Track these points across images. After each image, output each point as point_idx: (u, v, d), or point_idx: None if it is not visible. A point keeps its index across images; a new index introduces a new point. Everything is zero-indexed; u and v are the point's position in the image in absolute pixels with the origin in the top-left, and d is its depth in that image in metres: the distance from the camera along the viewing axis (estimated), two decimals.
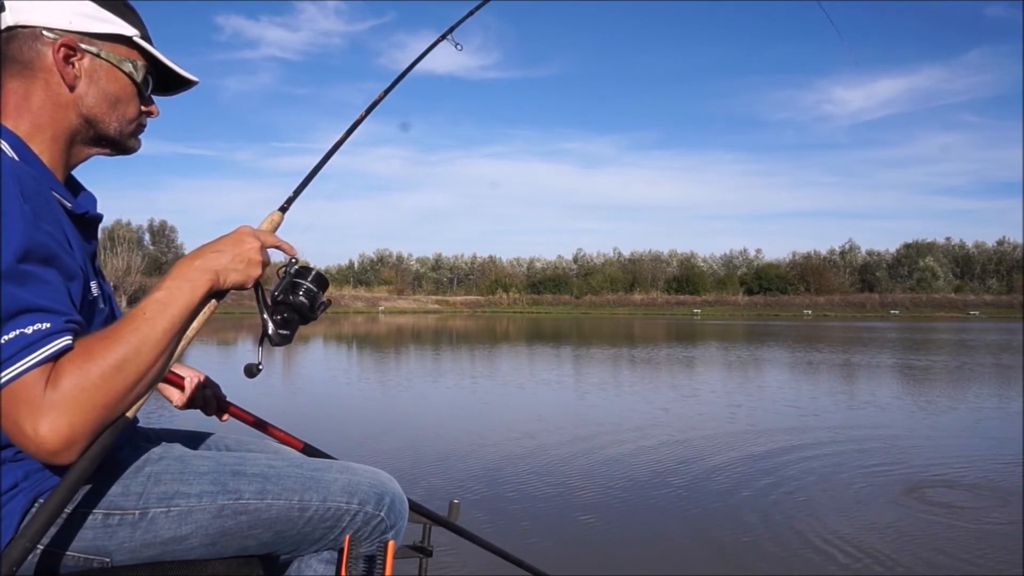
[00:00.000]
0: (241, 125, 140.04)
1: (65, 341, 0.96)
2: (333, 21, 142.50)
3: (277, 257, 1.24)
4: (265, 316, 1.22)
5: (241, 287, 1.14)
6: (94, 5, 1.16)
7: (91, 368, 0.95)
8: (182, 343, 1.06)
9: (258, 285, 1.18)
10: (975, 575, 3.51)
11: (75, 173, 1.28)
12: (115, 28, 1.18)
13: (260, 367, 1.23)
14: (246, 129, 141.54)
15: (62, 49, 1.13)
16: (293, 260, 1.25)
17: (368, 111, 1.67)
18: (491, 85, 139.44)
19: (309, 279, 1.26)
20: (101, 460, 0.98)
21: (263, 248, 1.16)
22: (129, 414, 0.99)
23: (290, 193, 1.40)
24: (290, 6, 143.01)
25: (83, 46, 1.15)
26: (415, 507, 1.80)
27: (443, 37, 1.89)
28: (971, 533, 4.09)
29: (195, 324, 1.08)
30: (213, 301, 1.11)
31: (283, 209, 1.35)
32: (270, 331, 1.22)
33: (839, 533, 4.05)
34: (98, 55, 1.17)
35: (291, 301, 1.23)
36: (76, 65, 1.15)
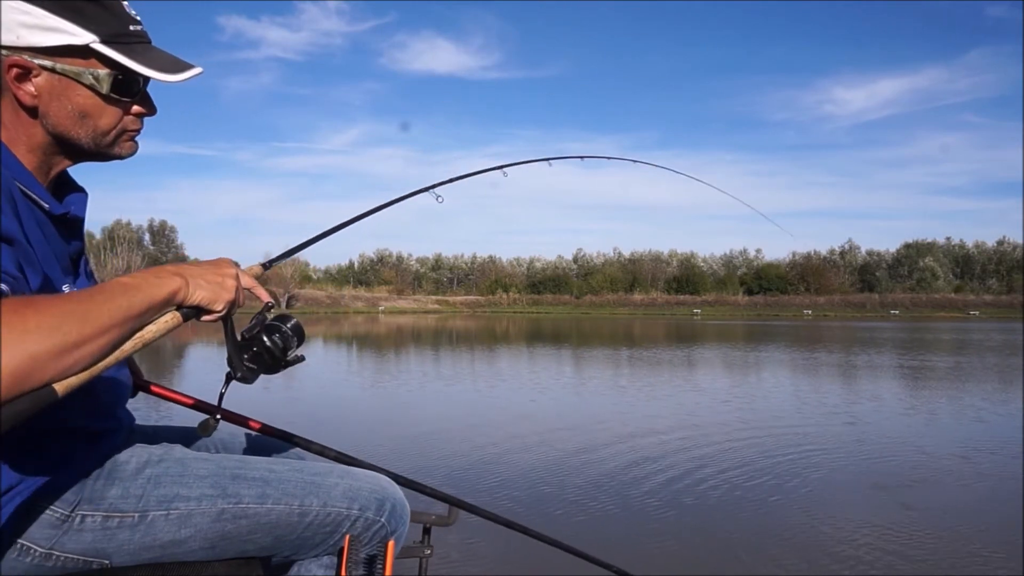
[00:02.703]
0: (242, 125, 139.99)
1: None
2: (334, 21, 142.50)
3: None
4: (230, 351, 1.16)
5: (208, 308, 1.05)
6: (42, 12, 1.03)
7: (13, 316, 0.80)
8: (133, 342, 0.95)
9: (228, 319, 1.11)
10: (975, 575, 3.51)
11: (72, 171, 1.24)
12: (66, 38, 1.05)
13: (219, 419, 1.21)
14: (247, 129, 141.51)
15: (12, 70, 1.05)
16: (270, 304, 1.20)
17: (343, 224, 1.71)
18: (492, 85, 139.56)
19: (288, 325, 1.22)
20: (10, 428, 0.81)
21: (239, 281, 1.11)
22: (58, 389, 0.85)
23: (274, 255, 1.44)
24: (291, 6, 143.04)
25: (36, 62, 1.05)
26: (427, 490, 1.81)
27: (425, 190, 1.87)
28: None
29: (152, 328, 0.98)
30: (176, 314, 1.01)
31: (265, 267, 1.35)
32: (238, 372, 1.17)
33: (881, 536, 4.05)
34: (53, 70, 1.07)
35: (262, 341, 1.18)
36: (33, 83, 1.07)
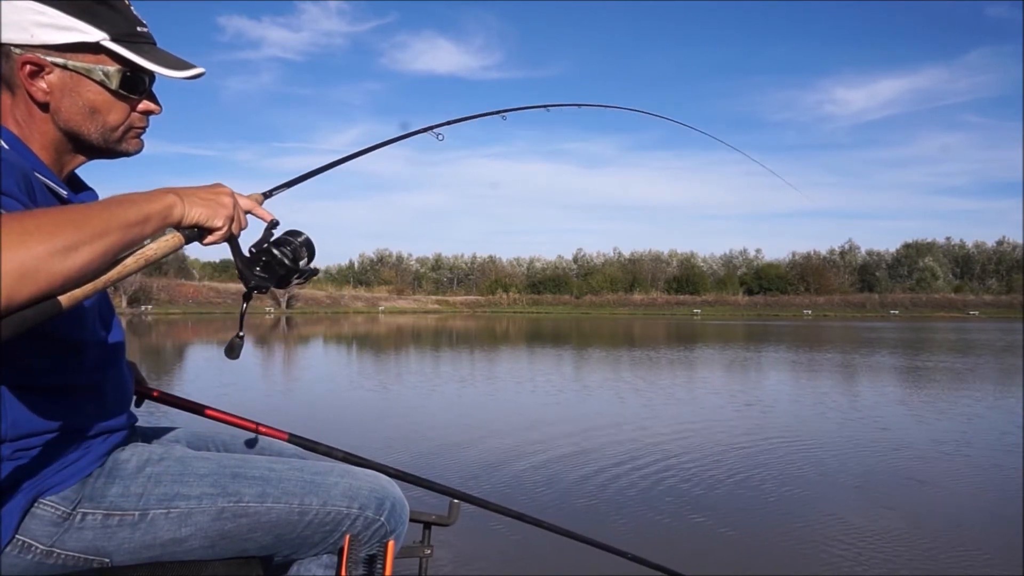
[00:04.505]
0: (242, 125, 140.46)
1: None
2: (335, 21, 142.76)
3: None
4: (240, 267, 1.14)
5: (208, 226, 1.03)
6: (56, 12, 1.08)
7: (12, 222, 0.81)
8: (135, 258, 0.94)
9: (233, 239, 1.10)
10: (975, 575, 3.51)
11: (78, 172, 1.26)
12: (78, 36, 1.10)
13: (241, 336, 1.18)
14: (247, 129, 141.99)
15: (26, 67, 1.09)
16: (275, 221, 1.18)
17: (345, 159, 1.64)
18: (493, 85, 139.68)
19: (299, 240, 1.20)
20: (15, 335, 0.81)
21: (235, 199, 1.09)
22: (63, 301, 0.85)
23: (277, 184, 1.35)
24: (292, 6, 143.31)
25: (49, 59, 1.10)
26: (436, 487, 1.82)
27: (427, 129, 1.84)
28: None
29: (154, 246, 0.97)
30: (177, 234, 1.01)
31: (266, 195, 1.29)
32: (251, 280, 1.14)
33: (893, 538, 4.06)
34: (65, 67, 1.11)
35: (271, 252, 1.16)
36: (45, 80, 1.11)
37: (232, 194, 1.09)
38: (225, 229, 1.05)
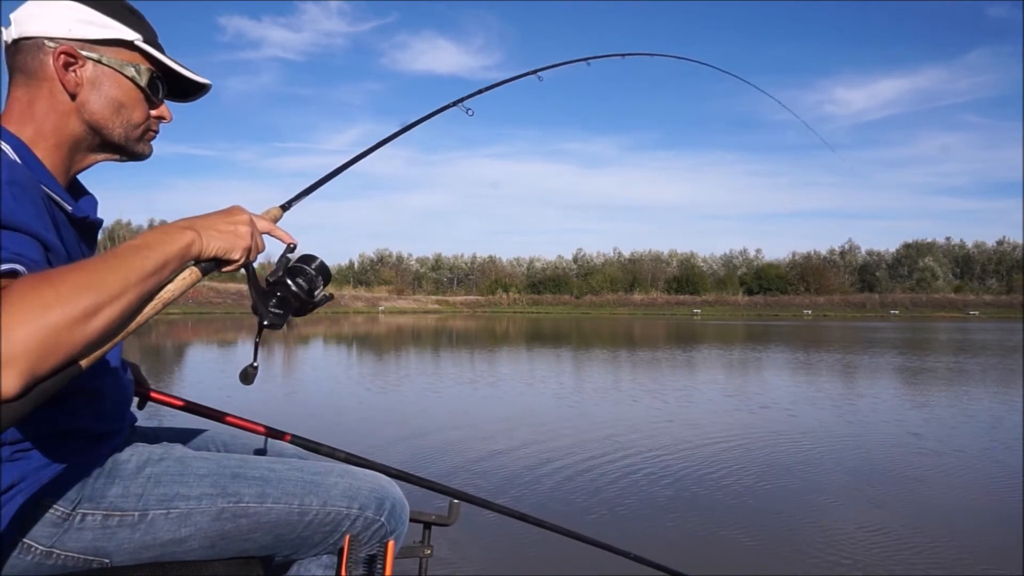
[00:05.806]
0: (242, 125, 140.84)
1: (9, 265, 0.87)
2: (336, 22, 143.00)
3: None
4: (255, 299, 1.14)
5: (226, 258, 1.04)
6: (94, 11, 1.14)
7: (31, 292, 0.80)
8: (154, 304, 0.94)
9: (249, 266, 1.09)
10: (975, 575, 3.51)
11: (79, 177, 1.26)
12: (115, 33, 1.16)
13: (255, 366, 1.18)
14: (247, 129, 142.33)
15: (61, 56, 1.12)
16: (292, 246, 1.18)
17: (375, 147, 1.62)
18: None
19: (312, 266, 1.20)
20: (39, 404, 0.79)
21: (254, 226, 1.08)
22: (83, 364, 0.84)
23: (293, 195, 1.34)
24: (293, 7, 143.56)
25: (84, 53, 1.14)
26: (438, 487, 1.83)
27: (456, 103, 1.79)
28: None
29: (172, 287, 0.96)
30: (194, 269, 1.00)
31: (284, 207, 1.28)
32: (265, 319, 1.14)
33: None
34: (99, 61, 1.15)
35: (287, 285, 1.16)
36: (77, 72, 1.14)
37: (250, 221, 1.08)
38: (243, 260, 1.06)
